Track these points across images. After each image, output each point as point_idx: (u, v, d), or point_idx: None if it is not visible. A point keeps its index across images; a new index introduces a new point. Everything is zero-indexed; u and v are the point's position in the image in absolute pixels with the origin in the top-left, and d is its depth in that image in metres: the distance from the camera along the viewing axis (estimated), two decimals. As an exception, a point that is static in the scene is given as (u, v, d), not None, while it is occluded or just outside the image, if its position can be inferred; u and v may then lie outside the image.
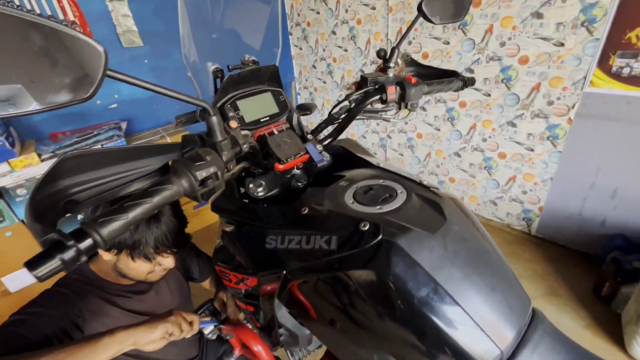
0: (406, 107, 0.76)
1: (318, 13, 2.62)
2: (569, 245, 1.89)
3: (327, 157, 0.69)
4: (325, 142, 0.76)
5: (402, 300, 0.46)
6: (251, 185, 0.69)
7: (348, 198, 0.58)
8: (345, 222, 0.53)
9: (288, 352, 0.88)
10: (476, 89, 1.93)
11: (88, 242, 0.34)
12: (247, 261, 0.63)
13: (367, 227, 0.50)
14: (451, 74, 0.83)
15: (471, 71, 1.90)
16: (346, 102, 0.77)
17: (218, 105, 0.69)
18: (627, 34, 1.36)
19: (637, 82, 1.40)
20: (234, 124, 0.52)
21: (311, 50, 2.85)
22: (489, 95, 1.89)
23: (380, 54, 0.76)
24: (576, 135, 1.65)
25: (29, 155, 1.69)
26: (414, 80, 0.73)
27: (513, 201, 2.04)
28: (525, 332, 0.47)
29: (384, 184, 0.60)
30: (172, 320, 0.69)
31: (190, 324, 0.73)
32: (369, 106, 0.78)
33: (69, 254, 0.33)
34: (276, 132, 0.68)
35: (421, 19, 0.73)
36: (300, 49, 2.95)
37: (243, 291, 0.73)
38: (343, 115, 0.78)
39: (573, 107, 1.61)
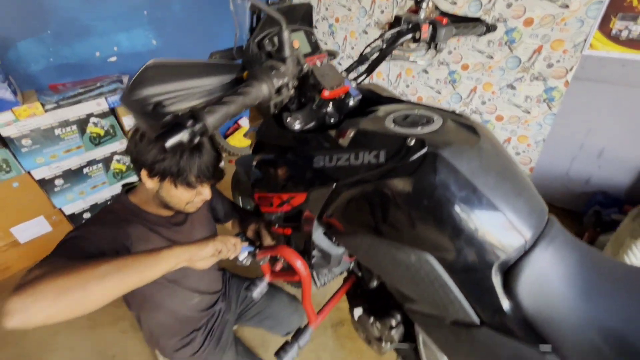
0: (435, 48, 0.81)
1: (322, -31, 2.54)
2: (554, 203, 2.05)
3: (359, 94, 0.75)
4: (360, 80, 0.81)
5: (445, 201, 0.54)
6: (289, 119, 0.74)
7: (389, 123, 0.64)
8: (392, 139, 0.60)
9: (315, 274, 0.98)
10: (480, 51, 1.97)
11: (199, 125, 0.39)
12: (296, 181, 0.70)
13: (413, 142, 0.57)
14: (476, 20, 0.88)
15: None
16: (379, 42, 0.82)
17: (258, 39, 0.72)
18: (629, -4, 1.42)
19: (633, 45, 1.48)
20: (296, 43, 0.57)
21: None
22: (492, 57, 1.94)
23: (418, -5, 0.80)
24: (571, 98, 1.75)
25: (33, 104, 1.66)
26: (445, 20, 0.78)
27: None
28: (543, 230, 0.56)
29: (419, 112, 0.66)
30: (220, 239, 0.76)
31: (234, 245, 0.80)
32: (399, 48, 0.83)
33: (187, 133, 0.38)
34: (319, 64, 0.72)
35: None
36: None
37: (283, 214, 0.81)
38: (375, 55, 0.82)
39: (571, 69, 1.69)
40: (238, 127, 2.86)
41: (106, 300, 0.53)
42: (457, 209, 0.54)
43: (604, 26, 1.52)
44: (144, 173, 0.79)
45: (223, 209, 1.15)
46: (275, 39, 0.72)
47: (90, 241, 0.70)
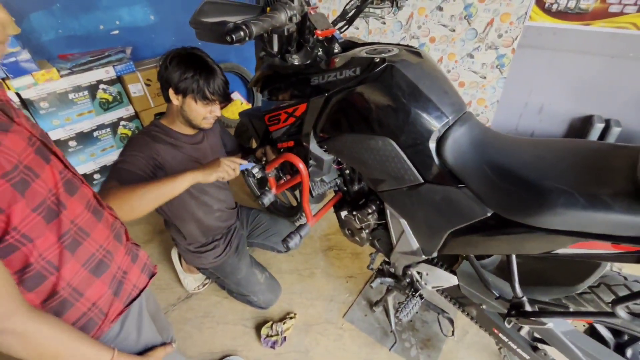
0: (397, 5, 1.10)
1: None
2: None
3: (342, 38, 1.04)
4: (343, 29, 1.10)
5: (399, 96, 0.84)
6: (291, 57, 1.02)
7: (362, 53, 0.93)
8: (364, 59, 0.89)
9: (312, 185, 1.27)
10: (444, 25, 2.29)
11: (248, 30, 0.67)
12: (299, 95, 0.98)
13: (378, 60, 0.86)
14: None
15: (440, 9, 2.25)
16: (354, 0, 1.10)
17: None
18: (557, -25, 1.76)
19: (561, 16, 1.83)
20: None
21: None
22: (454, 30, 2.26)
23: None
24: (517, 63, 2.10)
25: (50, 70, 1.84)
26: (402, -19, 1.07)
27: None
28: (461, 116, 0.87)
29: (382, 47, 0.96)
30: (221, 167, 1.03)
31: (233, 169, 1.07)
32: (370, 5, 1.12)
33: (242, 33, 0.66)
34: (313, 13, 1.00)
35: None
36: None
37: (288, 128, 1.09)
38: (353, 11, 1.11)
39: (516, 38, 2.03)
40: (230, 100, 3.09)
41: (151, 206, 0.92)
42: (406, 101, 0.84)
43: (540, 1, 1.86)
44: (171, 92, 1.06)
45: (230, 143, 1.43)
46: None
47: (132, 164, 1.01)
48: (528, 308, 0.84)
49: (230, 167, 1.07)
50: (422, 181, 0.89)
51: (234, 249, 1.40)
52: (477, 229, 0.83)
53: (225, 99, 1.12)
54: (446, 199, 0.86)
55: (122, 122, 2.25)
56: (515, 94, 2.19)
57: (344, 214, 1.27)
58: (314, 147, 1.08)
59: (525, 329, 0.93)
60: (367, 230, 1.21)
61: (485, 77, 2.27)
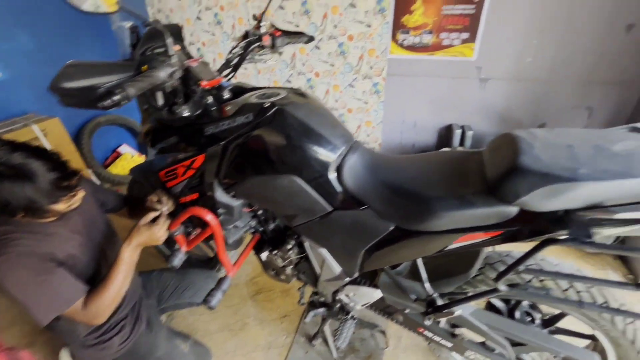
0: (276, 52, 1.18)
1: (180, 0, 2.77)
2: (399, 166, 2.77)
3: (230, 85, 1.06)
4: (229, 76, 1.12)
5: (293, 136, 0.89)
6: (179, 109, 0.99)
7: (253, 98, 0.97)
8: (255, 106, 0.92)
9: (225, 235, 1.21)
10: (325, 61, 2.55)
11: (124, 93, 0.63)
12: (194, 147, 0.95)
13: (268, 105, 0.91)
14: (300, 33, 1.31)
15: (318, 48, 2.51)
16: (236, 49, 1.15)
17: (141, 50, 0.96)
18: (401, 18, 2.16)
19: (412, 49, 2.24)
20: (177, 47, 0.83)
21: (177, 35, 2.97)
22: (334, 65, 2.54)
23: (255, 17, 1.16)
24: (389, 89, 2.46)
25: None
26: (278, 33, 1.17)
27: (363, 143, 2.80)
28: (352, 145, 0.97)
29: (270, 91, 1.02)
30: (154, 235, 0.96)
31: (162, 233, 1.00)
32: (252, 53, 1.18)
33: (118, 96, 0.61)
34: (195, 65, 1.00)
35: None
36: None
37: (188, 181, 1.04)
38: (236, 59, 1.15)
39: (384, 69, 2.39)
40: (118, 155, 2.77)
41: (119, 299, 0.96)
42: (300, 139, 0.89)
43: (394, 38, 2.24)
44: (19, 216, 0.83)
45: (111, 201, 1.25)
46: (158, 50, 0.97)
47: (60, 282, 0.87)
48: (439, 302, 0.96)
49: (159, 228, 1.00)
50: (331, 209, 0.95)
51: (144, 325, 1.21)
52: (385, 243, 0.92)
53: (70, 187, 0.88)
54: (354, 222, 0.93)
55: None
56: (394, 115, 2.55)
57: (264, 255, 1.24)
58: (220, 195, 1.05)
59: (443, 321, 1.05)
60: (290, 267, 1.21)
61: (367, 103, 2.58)
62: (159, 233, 0.98)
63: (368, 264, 1.00)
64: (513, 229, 0.74)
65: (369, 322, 1.38)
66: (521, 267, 0.77)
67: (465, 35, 2.07)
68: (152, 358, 1.22)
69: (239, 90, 1.10)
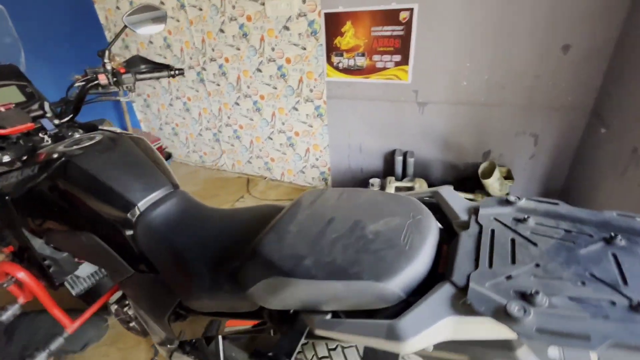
0: (124, 89, 1.11)
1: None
2: (350, 192, 2.62)
3: (54, 128, 0.99)
4: (65, 119, 1.06)
5: (79, 191, 0.80)
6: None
7: (61, 147, 0.89)
8: (45, 156, 0.84)
9: (68, 285, 1.13)
10: (267, 84, 2.48)
11: None
12: None
13: (56, 156, 0.83)
14: (164, 67, 1.23)
15: (260, 70, 2.44)
16: (73, 88, 1.08)
17: None
18: (334, 41, 2.07)
19: (347, 72, 2.13)
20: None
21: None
22: (276, 88, 2.46)
23: (99, 53, 1.09)
24: (332, 112, 2.35)
25: None
26: (123, 70, 1.09)
27: (313, 167, 2.68)
28: (161, 197, 0.87)
29: (84, 136, 0.93)
30: None
31: None
32: (102, 89, 1.11)
33: None
34: (3, 110, 0.93)
35: (128, 30, 1.09)
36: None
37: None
38: (74, 98, 1.08)
39: (323, 92, 2.28)
40: None
41: None
42: (87, 193, 0.80)
43: (330, 60, 2.14)
44: None
45: None
46: None
47: None
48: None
49: None
50: (132, 271, 0.85)
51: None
52: (178, 316, 0.80)
53: None
54: (150, 288, 0.83)
55: None
56: (339, 139, 2.43)
57: (114, 307, 1.15)
58: (40, 246, 0.97)
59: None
60: (134, 322, 1.10)
61: (312, 126, 2.48)
62: None
63: (182, 333, 0.88)
64: (266, 322, 0.61)
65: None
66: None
67: (397, 57, 1.95)
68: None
69: (89, 130, 1.04)
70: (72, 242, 0.89)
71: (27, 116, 0.96)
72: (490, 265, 0.43)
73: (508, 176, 1.86)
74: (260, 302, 0.54)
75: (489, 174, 1.57)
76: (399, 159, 2.14)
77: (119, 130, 1.05)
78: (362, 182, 2.51)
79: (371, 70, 2.06)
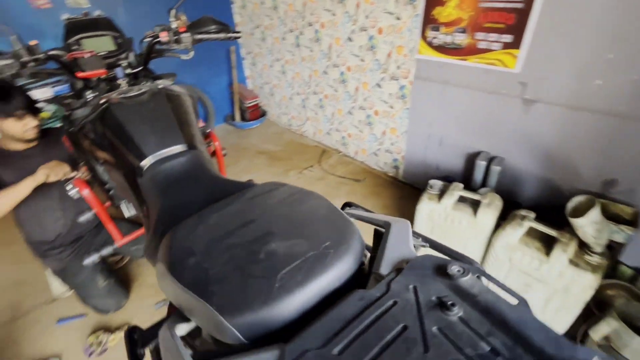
0: (187, 47, 1.19)
1: (251, -16, 2.96)
2: (417, 186, 2.36)
3: (125, 76, 1.15)
4: (135, 70, 1.22)
5: (107, 132, 0.93)
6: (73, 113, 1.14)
7: (114, 95, 1.03)
8: (101, 102, 0.99)
9: (122, 208, 1.36)
10: (356, 55, 2.33)
11: None
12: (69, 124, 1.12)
13: (104, 101, 0.97)
14: (226, 30, 1.26)
15: (350, 39, 2.30)
16: (145, 42, 1.22)
17: (68, 41, 1.13)
18: (432, 11, 1.75)
19: (442, 50, 1.80)
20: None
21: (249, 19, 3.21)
22: (363, 60, 2.29)
23: (168, 11, 1.19)
24: (416, 95, 2.07)
25: None
26: (182, 29, 1.17)
27: (387, 152, 2.49)
28: (174, 155, 0.93)
29: (139, 91, 1.05)
30: (47, 169, 1.25)
31: (62, 171, 1.28)
32: (166, 46, 1.22)
33: None
34: (86, 57, 1.12)
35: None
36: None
37: (72, 154, 1.22)
38: (144, 51, 1.22)
39: (411, 71, 2.01)
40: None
41: (5, 209, 1.22)
42: (113, 138, 0.92)
43: (424, 35, 1.85)
44: None
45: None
46: (82, 41, 1.13)
47: None
48: None
49: (49, 171, 1.29)
50: (141, 212, 0.96)
51: (79, 257, 1.52)
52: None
53: (32, 111, 1.30)
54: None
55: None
56: (419, 126, 2.15)
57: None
58: (101, 173, 1.19)
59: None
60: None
61: (393, 107, 2.26)
62: (52, 175, 1.28)
63: None
64: None
65: None
66: None
67: (507, 37, 1.53)
68: (74, 279, 1.54)
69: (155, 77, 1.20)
70: (112, 175, 1.05)
71: (102, 63, 1.13)
72: (341, 351, 0.31)
73: (631, 220, 1.33)
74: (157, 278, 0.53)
75: (583, 211, 1.14)
76: (481, 164, 1.78)
77: (176, 87, 1.16)
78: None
79: (470, 50, 1.68)
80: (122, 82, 1.16)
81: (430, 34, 1.81)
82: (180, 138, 0.97)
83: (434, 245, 0.55)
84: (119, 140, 0.92)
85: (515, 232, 1.35)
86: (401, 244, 0.47)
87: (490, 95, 1.71)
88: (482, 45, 1.63)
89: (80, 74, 1.07)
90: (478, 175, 1.81)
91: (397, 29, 1.97)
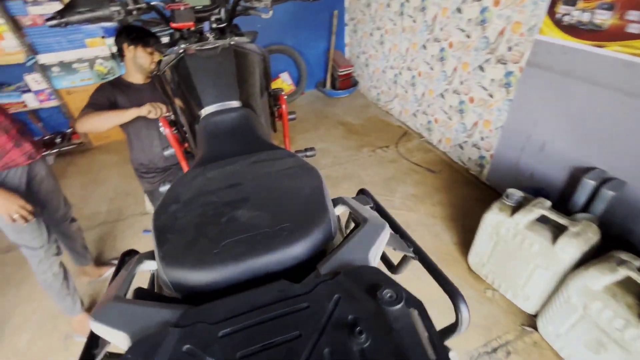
0: (266, 6, 1.21)
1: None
2: (500, 192, 2.01)
3: (210, 30, 1.25)
4: (220, 25, 1.30)
5: (178, 79, 1.03)
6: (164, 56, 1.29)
7: (194, 46, 1.14)
8: (181, 51, 1.10)
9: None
10: (461, 29, 2.02)
11: (54, 21, 1.01)
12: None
13: (182, 51, 1.07)
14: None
15: (460, 11, 1.99)
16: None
17: None
18: (571, -22, 1.37)
19: (573, 31, 1.41)
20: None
21: (359, -19, 3.07)
22: (469, 37, 1.98)
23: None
24: (524, 85, 1.71)
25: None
26: (263, -13, 1.18)
27: (474, 146, 2.18)
28: (232, 109, 1.00)
29: (213, 46, 1.13)
30: (150, 105, 1.46)
31: (160, 108, 1.51)
32: (248, 4, 1.27)
33: (55, 21, 1.00)
34: (181, 9, 1.24)
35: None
36: (352, -21, 3.18)
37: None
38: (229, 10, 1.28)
39: (525, 54, 1.65)
40: (277, 79, 3.49)
41: (107, 126, 1.47)
42: (182, 85, 1.03)
43: (552, 10, 1.47)
44: (125, 46, 1.52)
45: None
46: None
47: (97, 100, 1.52)
48: None
49: (152, 109, 1.53)
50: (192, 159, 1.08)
51: (163, 183, 1.83)
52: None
53: (157, 49, 1.56)
54: None
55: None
56: (519, 122, 1.80)
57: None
58: (177, 114, 1.36)
59: None
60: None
61: (492, 96, 1.92)
62: (152, 111, 1.51)
63: None
64: None
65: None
66: None
67: (676, 20, 1.10)
68: (156, 202, 1.86)
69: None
70: (181, 118, 1.19)
71: (192, 17, 1.23)
72: (226, 335, 0.29)
73: None
74: None
75: None
76: (589, 183, 1.41)
77: (251, 45, 1.21)
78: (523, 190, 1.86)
79: (613, 35, 1.28)
80: (210, 36, 1.25)
81: (561, 8, 1.43)
82: (236, 94, 1.02)
83: (387, 217, 0.52)
84: (186, 88, 1.01)
85: (602, 277, 1.06)
86: (361, 248, 0.40)
87: (628, 99, 1.30)
88: (632, 28, 1.22)
89: (172, 25, 1.20)
90: (580, 196, 1.44)
91: (520, 0, 1.62)
